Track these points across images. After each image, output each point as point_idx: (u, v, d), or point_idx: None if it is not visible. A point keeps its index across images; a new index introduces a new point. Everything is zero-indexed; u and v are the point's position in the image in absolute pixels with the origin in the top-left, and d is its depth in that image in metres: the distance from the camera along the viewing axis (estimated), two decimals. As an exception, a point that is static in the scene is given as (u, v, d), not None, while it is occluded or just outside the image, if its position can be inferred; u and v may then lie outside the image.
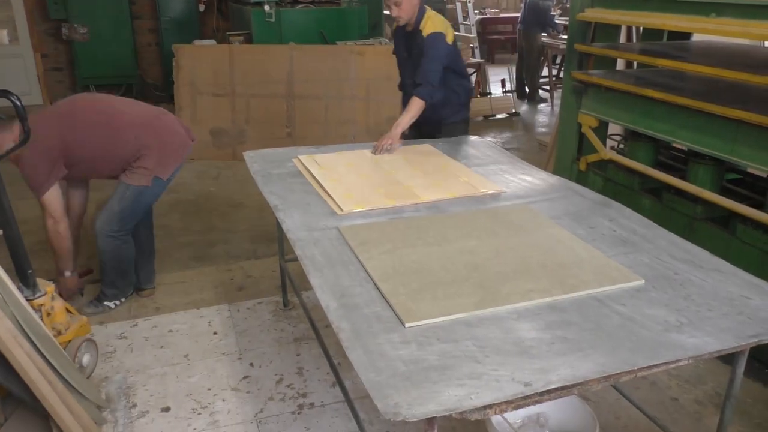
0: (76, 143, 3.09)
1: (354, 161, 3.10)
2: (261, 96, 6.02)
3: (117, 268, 3.35)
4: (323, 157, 3.14)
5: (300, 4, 7.10)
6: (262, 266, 3.98)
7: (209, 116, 6.03)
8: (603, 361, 1.54)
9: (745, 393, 2.75)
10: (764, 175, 3.38)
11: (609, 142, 4.15)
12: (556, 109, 7.82)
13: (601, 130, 3.95)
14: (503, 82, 8.97)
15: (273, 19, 6.79)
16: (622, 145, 4.13)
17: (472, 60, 8.24)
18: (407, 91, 3.57)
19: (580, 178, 3.98)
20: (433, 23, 3.35)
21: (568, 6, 6.43)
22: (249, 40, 6.93)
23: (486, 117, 8.00)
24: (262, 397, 2.76)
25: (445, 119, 3.58)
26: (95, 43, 7.64)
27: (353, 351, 1.57)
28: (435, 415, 1.37)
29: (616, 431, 2.56)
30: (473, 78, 8.51)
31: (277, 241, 3.54)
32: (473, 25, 9.50)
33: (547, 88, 9.04)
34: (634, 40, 5.44)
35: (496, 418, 2.17)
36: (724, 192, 3.21)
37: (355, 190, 2.68)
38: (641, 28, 4.85)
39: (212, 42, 7.08)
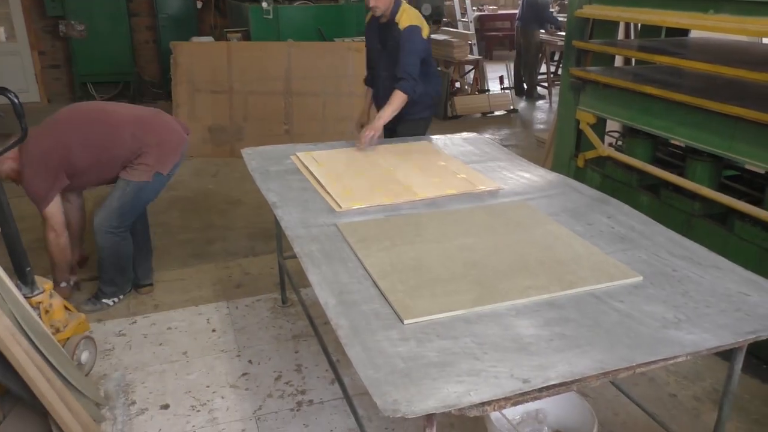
0: (76, 148, 3.09)
1: (352, 158, 3.10)
2: (259, 93, 6.01)
3: (116, 265, 3.35)
4: (321, 154, 3.14)
5: (298, 1, 7.10)
6: (260, 263, 3.98)
7: (207, 113, 6.03)
8: (601, 357, 1.54)
9: (742, 389, 2.76)
10: (762, 172, 3.38)
11: (607, 139, 4.15)
12: (554, 105, 7.82)
13: (599, 126, 3.95)
14: (501, 78, 8.97)
15: (271, 16, 6.78)
16: (620, 142, 4.13)
17: (471, 57, 8.23)
18: (380, 84, 3.56)
19: (578, 175, 3.99)
20: (408, 16, 3.34)
21: (566, 3, 6.42)
22: (247, 37, 6.92)
23: (484, 114, 8.00)
24: (260, 394, 2.76)
25: (405, 116, 3.49)
26: (93, 40, 7.63)
27: (352, 348, 1.58)
28: (434, 412, 1.37)
29: (614, 427, 2.57)
30: (471, 75, 8.52)
31: (275, 238, 3.54)
32: (471, 21, 9.48)
33: (545, 84, 9.04)
34: (632, 37, 5.43)
35: (494, 415, 2.17)
36: (722, 189, 3.21)
37: (353, 187, 2.68)
38: (639, 24, 4.85)
39: (210, 39, 7.07)
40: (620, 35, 5.08)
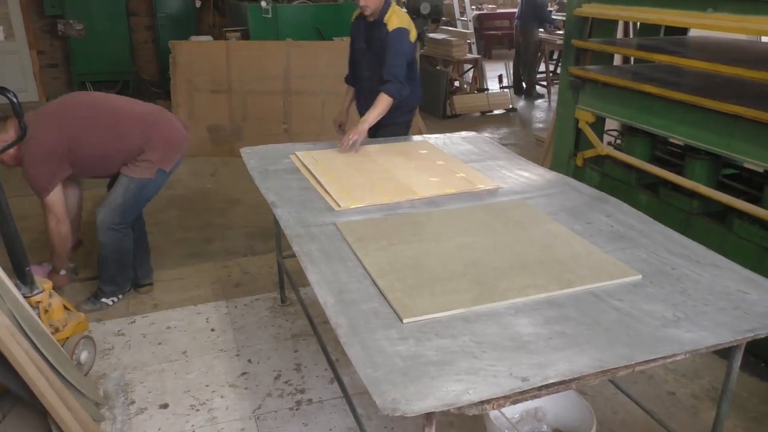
0: (82, 138, 3.08)
1: (351, 157, 3.10)
2: (258, 92, 6.01)
3: (117, 262, 3.35)
4: (320, 153, 3.14)
5: (296, 0, 7.09)
6: (259, 263, 3.98)
7: (206, 113, 6.02)
8: (600, 356, 1.55)
9: (741, 387, 2.76)
10: (761, 170, 3.38)
11: (606, 138, 4.15)
12: (553, 104, 7.82)
13: (598, 125, 3.95)
14: (500, 77, 8.97)
15: (270, 15, 6.78)
16: (619, 141, 4.13)
17: (469, 56, 8.23)
18: (362, 84, 3.53)
19: (577, 174, 3.99)
20: (398, 18, 3.33)
21: (564, 2, 6.42)
22: (246, 36, 6.91)
23: (483, 113, 8.00)
24: (260, 394, 2.76)
25: (387, 120, 3.43)
26: (91, 39, 7.63)
27: (351, 347, 1.58)
28: (433, 411, 1.37)
29: (613, 425, 2.57)
30: (470, 74, 8.51)
31: (274, 237, 3.54)
32: (470, 20, 9.48)
33: (544, 83, 9.03)
34: (631, 36, 5.44)
35: (493, 413, 2.17)
36: (721, 187, 3.21)
37: (352, 186, 2.68)
38: (638, 23, 4.85)
39: (209, 38, 7.06)
40: (619, 34, 5.08)
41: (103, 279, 3.40)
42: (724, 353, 1.86)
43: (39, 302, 2.64)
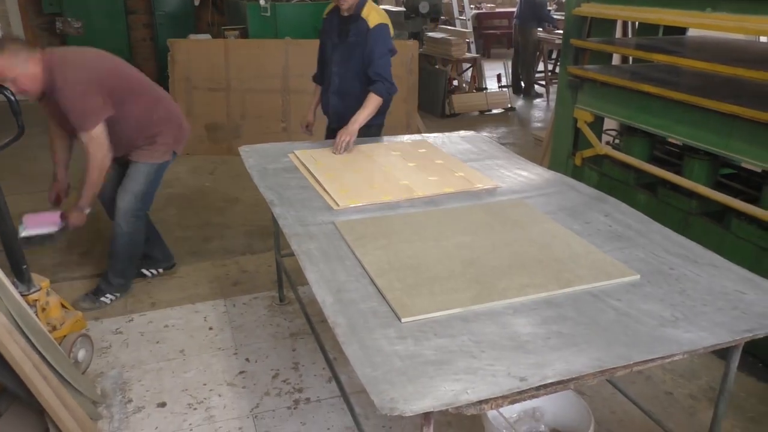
0: (128, 94, 3.10)
1: (350, 156, 3.10)
2: (256, 91, 6.00)
3: (131, 254, 3.38)
4: (319, 152, 3.14)
5: (295, -1, 7.09)
6: (257, 261, 3.97)
7: (205, 111, 6.02)
8: (598, 355, 1.55)
9: (738, 387, 2.77)
10: (758, 170, 3.38)
11: (604, 137, 4.16)
12: (552, 104, 7.82)
13: (597, 125, 3.96)
14: (499, 77, 8.97)
15: (268, 14, 6.78)
16: (617, 141, 4.13)
17: (468, 55, 8.23)
18: (331, 79, 3.44)
19: (576, 173, 3.99)
20: (377, 13, 3.30)
21: (563, 1, 6.43)
22: (244, 34, 6.91)
23: (482, 112, 8.00)
24: (258, 392, 2.76)
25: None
26: (89, 37, 7.58)
27: (349, 346, 1.58)
28: (431, 410, 1.37)
29: (611, 425, 2.58)
30: (469, 73, 8.52)
31: (272, 236, 3.53)
32: (469, 19, 9.49)
33: (543, 83, 9.04)
34: (630, 35, 5.44)
35: (492, 413, 2.17)
36: (719, 187, 3.22)
37: (351, 185, 2.68)
38: (637, 23, 4.85)
39: (207, 36, 7.06)
40: (618, 33, 5.08)
41: (114, 271, 3.38)
42: (722, 353, 1.86)
43: (36, 300, 2.64)
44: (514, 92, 8.87)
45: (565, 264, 2.00)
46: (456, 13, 9.53)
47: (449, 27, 9.13)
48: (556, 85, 6.62)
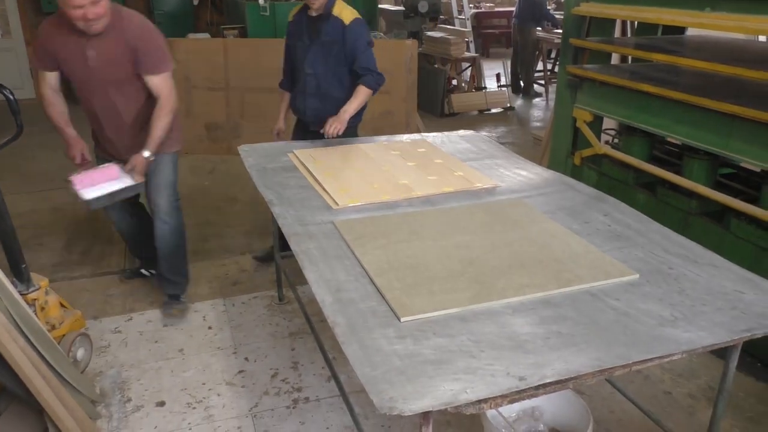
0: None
1: (349, 156, 3.10)
2: (256, 90, 5.99)
3: (183, 245, 3.33)
4: (318, 151, 3.13)
5: (294, -2, 7.08)
6: (257, 261, 3.97)
7: (204, 110, 6.01)
8: (597, 355, 1.55)
9: (737, 387, 2.77)
10: (758, 170, 3.39)
11: (603, 137, 4.16)
12: (551, 103, 7.82)
13: (596, 124, 3.96)
14: (498, 76, 8.97)
15: (267, 13, 6.77)
16: (616, 140, 4.13)
17: (467, 54, 8.23)
18: (304, 81, 3.40)
19: (575, 173, 3.99)
20: (349, 10, 3.30)
21: (562, 0, 6.43)
22: (243, 33, 6.91)
23: (481, 111, 8.00)
24: (257, 392, 2.76)
25: None
26: (88, 36, 7.60)
27: (349, 346, 1.57)
28: (430, 410, 1.37)
29: (610, 425, 2.58)
30: (468, 72, 8.52)
31: (272, 235, 3.53)
32: (468, 19, 9.48)
33: (542, 82, 9.04)
34: (629, 35, 5.44)
35: (491, 412, 2.17)
36: (719, 187, 3.22)
37: (350, 184, 2.68)
38: (636, 22, 4.85)
39: (206, 36, 7.06)
40: (617, 33, 5.08)
41: (174, 270, 3.32)
42: (721, 353, 1.87)
43: (35, 299, 2.64)
44: (513, 92, 8.87)
45: (565, 264, 2.00)
46: (455, 13, 9.53)
47: (448, 26, 9.13)
48: (555, 85, 6.62)
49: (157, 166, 3.07)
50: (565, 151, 4.16)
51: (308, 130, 3.51)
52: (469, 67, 8.49)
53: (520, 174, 2.90)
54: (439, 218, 2.37)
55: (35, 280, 2.66)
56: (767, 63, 3.19)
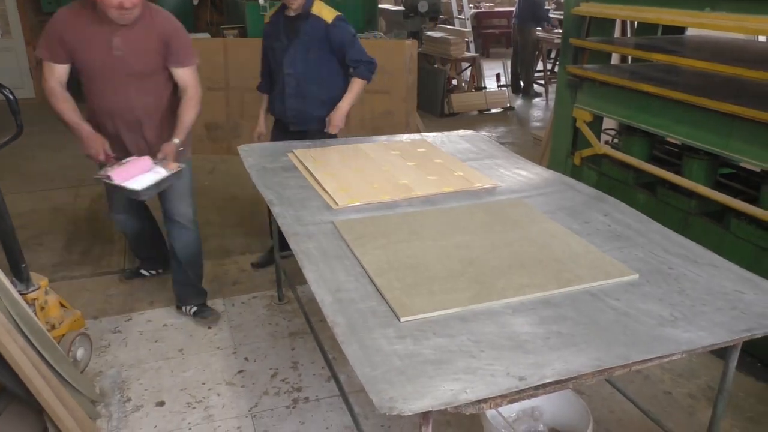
0: None
1: (349, 155, 3.10)
2: (255, 90, 5.98)
3: (201, 252, 3.33)
4: (318, 151, 3.13)
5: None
6: (256, 260, 3.97)
7: (204, 110, 5.87)
8: (597, 355, 1.55)
9: (737, 387, 2.77)
10: (758, 170, 3.39)
11: (603, 137, 4.16)
12: (551, 103, 7.82)
13: (596, 124, 3.96)
14: (498, 76, 8.97)
15: (267, 13, 6.77)
16: (616, 140, 4.13)
17: (467, 54, 8.23)
18: (284, 82, 3.41)
19: (575, 173, 3.99)
20: (328, 9, 3.33)
21: (562, 1, 6.43)
22: (243, 33, 6.90)
23: (481, 111, 8.00)
24: (256, 392, 2.76)
25: (314, 119, 3.46)
26: (88, 36, 7.59)
27: (349, 345, 1.57)
28: (430, 410, 1.37)
29: (609, 425, 2.58)
30: (468, 72, 8.52)
31: (270, 236, 3.53)
32: (468, 19, 9.48)
33: (542, 82, 9.04)
34: (629, 35, 5.44)
35: (490, 412, 2.17)
36: (718, 187, 3.22)
37: (350, 184, 2.68)
38: (636, 22, 4.85)
39: (206, 36, 7.05)
40: (617, 33, 5.08)
41: (198, 277, 3.33)
42: (721, 353, 1.87)
43: (35, 299, 2.64)
44: (513, 92, 8.87)
45: (564, 263, 2.00)
46: (455, 13, 9.53)
47: (448, 26, 9.13)
48: (555, 85, 6.62)
49: (176, 177, 2.99)
50: (565, 151, 4.16)
51: (288, 130, 3.52)
52: (468, 67, 8.49)
53: (520, 174, 2.90)
54: (439, 218, 2.37)
55: (35, 279, 2.66)
56: (767, 63, 3.19)
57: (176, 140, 2.92)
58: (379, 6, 8.40)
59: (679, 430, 2.53)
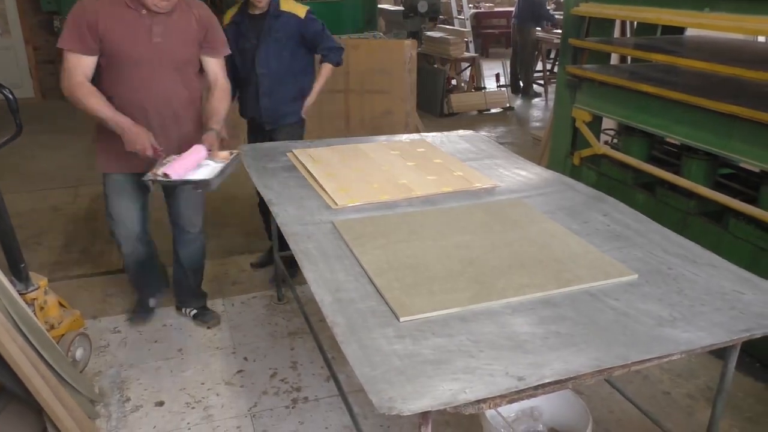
0: None
1: (349, 155, 3.10)
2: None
3: (204, 262, 3.33)
4: (318, 151, 3.13)
5: (294, -2, 7.08)
6: (256, 260, 3.97)
7: (203, 110, 5.99)
8: (596, 355, 1.55)
9: (736, 387, 2.77)
10: (757, 170, 3.39)
11: (603, 137, 4.16)
12: (550, 103, 7.83)
13: (595, 124, 3.96)
14: (497, 76, 8.97)
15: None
16: (615, 140, 4.14)
17: (467, 54, 8.23)
18: (257, 82, 3.39)
19: (574, 173, 3.99)
20: (296, 3, 3.35)
21: (562, 1, 6.42)
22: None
23: (480, 111, 8.00)
24: (256, 392, 2.76)
25: (285, 120, 3.50)
26: (87, 35, 7.59)
27: (348, 345, 1.57)
28: (429, 410, 1.37)
29: (609, 425, 2.58)
30: (467, 72, 8.52)
31: (270, 236, 3.53)
32: (467, 19, 9.48)
33: (542, 82, 9.05)
34: (628, 35, 5.44)
35: (490, 412, 2.17)
36: (718, 187, 3.22)
37: (349, 184, 2.68)
38: (635, 22, 4.86)
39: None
40: (616, 33, 5.08)
41: (201, 280, 3.34)
42: (720, 353, 1.87)
43: (34, 299, 2.64)
44: (512, 92, 8.87)
45: (564, 264, 2.00)
46: (454, 13, 9.53)
47: (448, 26, 9.13)
48: (554, 85, 6.63)
49: (184, 193, 3.03)
50: (565, 151, 4.16)
51: (264, 130, 3.55)
52: (468, 67, 8.49)
53: (520, 174, 2.90)
54: (438, 218, 2.37)
55: (34, 279, 2.66)
56: (766, 63, 3.19)
57: (215, 129, 2.78)
58: (379, 6, 8.39)
59: (678, 430, 2.53)
